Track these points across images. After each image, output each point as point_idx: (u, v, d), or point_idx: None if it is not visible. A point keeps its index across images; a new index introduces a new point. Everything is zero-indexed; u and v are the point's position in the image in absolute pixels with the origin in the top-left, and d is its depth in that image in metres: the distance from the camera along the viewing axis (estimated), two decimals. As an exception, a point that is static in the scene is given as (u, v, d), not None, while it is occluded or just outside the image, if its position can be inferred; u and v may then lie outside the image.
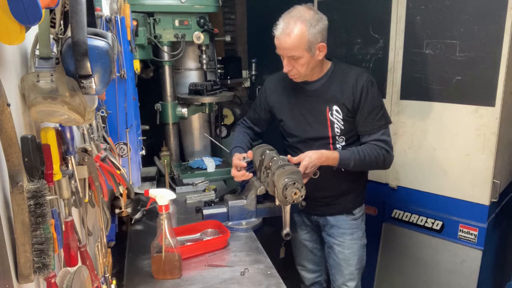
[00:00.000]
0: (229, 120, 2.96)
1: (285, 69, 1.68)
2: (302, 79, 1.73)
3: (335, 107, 1.72)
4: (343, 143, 1.76)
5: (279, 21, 1.63)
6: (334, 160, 1.65)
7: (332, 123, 1.74)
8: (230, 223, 1.82)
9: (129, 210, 1.94)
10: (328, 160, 1.64)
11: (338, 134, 1.74)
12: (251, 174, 1.75)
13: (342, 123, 1.73)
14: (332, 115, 1.73)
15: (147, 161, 2.38)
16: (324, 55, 1.68)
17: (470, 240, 2.10)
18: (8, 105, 0.58)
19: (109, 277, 1.28)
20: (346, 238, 1.89)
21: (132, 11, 1.83)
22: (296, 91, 1.81)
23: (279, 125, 1.92)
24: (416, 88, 2.14)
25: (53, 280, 0.69)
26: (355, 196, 1.89)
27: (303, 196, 1.54)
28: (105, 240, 1.30)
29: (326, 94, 1.74)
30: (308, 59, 1.63)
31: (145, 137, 1.85)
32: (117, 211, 1.86)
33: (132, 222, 1.90)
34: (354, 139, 1.78)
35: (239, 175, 1.73)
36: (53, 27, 0.72)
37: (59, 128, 0.82)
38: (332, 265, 1.96)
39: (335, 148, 1.76)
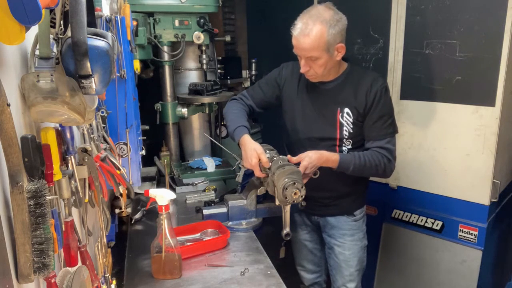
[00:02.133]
0: (229, 120, 2.96)
1: (302, 70, 1.64)
2: (318, 80, 1.70)
3: (346, 110, 1.70)
4: (350, 146, 1.74)
5: (297, 21, 1.58)
6: (334, 162, 1.64)
7: (342, 125, 1.71)
8: (230, 223, 1.82)
9: (129, 210, 1.94)
10: (328, 161, 1.63)
11: (346, 137, 1.72)
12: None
13: (352, 126, 1.71)
14: (342, 117, 1.71)
15: (147, 161, 2.38)
16: (342, 55, 1.65)
17: (470, 240, 2.10)
18: (8, 105, 0.58)
19: (109, 277, 1.28)
20: (347, 239, 1.88)
21: (132, 11, 1.83)
22: (309, 87, 1.78)
23: (282, 117, 1.88)
24: (416, 88, 2.14)
25: (53, 280, 0.69)
26: (356, 198, 1.88)
27: (303, 196, 1.54)
28: (105, 240, 1.30)
29: (339, 95, 1.71)
30: (327, 60, 1.60)
31: (145, 137, 1.85)
32: (117, 211, 1.86)
33: (132, 222, 1.91)
34: (361, 143, 1.76)
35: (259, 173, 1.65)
36: (53, 27, 0.72)
37: (59, 128, 0.82)
38: (333, 265, 1.96)
39: (341, 151, 1.74)
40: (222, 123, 2.87)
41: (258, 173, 1.64)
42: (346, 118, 1.71)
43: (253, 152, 1.62)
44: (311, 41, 1.54)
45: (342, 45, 1.62)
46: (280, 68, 1.89)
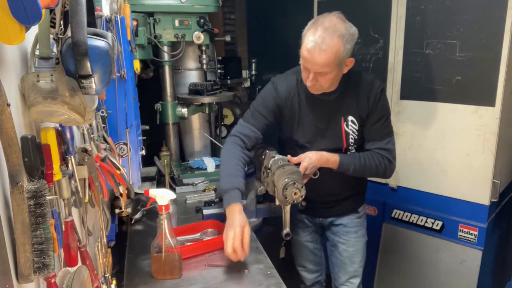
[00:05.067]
0: (229, 120, 2.96)
1: (309, 83, 1.55)
2: (321, 92, 1.64)
3: (350, 118, 1.67)
4: (353, 151, 1.75)
5: (309, 31, 1.48)
6: (334, 163, 1.64)
7: (347, 134, 1.69)
8: (230, 223, 1.82)
9: (129, 210, 1.94)
10: (328, 162, 1.63)
11: (352, 144, 1.72)
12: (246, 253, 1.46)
13: (357, 133, 1.70)
14: (347, 126, 1.69)
15: (147, 161, 2.38)
16: (349, 69, 1.59)
17: (470, 240, 2.10)
18: (8, 105, 0.58)
19: (109, 277, 1.28)
20: (351, 236, 1.89)
21: (132, 11, 1.83)
22: (311, 101, 1.70)
23: (283, 133, 1.80)
24: (416, 88, 2.14)
25: (53, 280, 0.69)
26: (358, 196, 1.90)
27: (303, 196, 1.54)
28: (105, 240, 1.30)
29: (341, 105, 1.67)
30: (335, 74, 1.55)
31: (145, 137, 1.85)
32: (117, 211, 1.86)
33: (132, 222, 1.90)
34: (363, 145, 1.76)
35: (239, 256, 1.43)
36: (53, 27, 0.72)
37: (59, 128, 0.82)
38: (335, 263, 1.96)
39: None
40: (222, 123, 2.87)
41: (235, 256, 1.42)
42: (351, 126, 1.69)
43: (238, 227, 1.43)
44: (327, 56, 1.45)
45: (352, 59, 1.57)
46: (274, 87, 1.73)
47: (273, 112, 1.73)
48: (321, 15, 1.54)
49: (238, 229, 1.43)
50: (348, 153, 1.74)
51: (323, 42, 1.44)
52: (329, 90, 1.66)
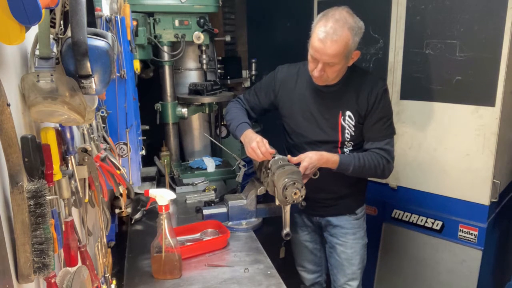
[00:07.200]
0: (229, 120, 2.96)
1: (316, 73, 1.59)
2: (326, 83, 1.68)
3: (348, 113, 1.69)
4: (351, 148, 1.75)
5: (320, 23, 1.53)
6: (334, 163, 1.65)
7: (343, 128, 1.71)
8: (230, 223, 1.82)
9: (129, 210, 1.94)
10: (328, 162, 1.64)
11: (348, 139, 1.73)
12: (271, 154, 1.66)
13: (353, 129, 1.71)
14: (344, 120, 1.70)
15: (147, 161, 2.38)
16: (354, 61, 1.64)
17: (470, 240, 2.10)
18: (8, 105, 0.58)
19: (109, 277, 1.28)
20: (349, 238, 1.89)
21: (132, 11, 1.83)
22: (310, 90, 1.75)
23: (282, 121, 1.87)
24: (416, 88, 2.14)
25: (53, 280, 0.69)
26: (356, 196, 1.89)
27: (303, 196, 1.54)
28: (105, 240, 1.30)
29: (341, 98, 1.70)
30: (342, 66, 1.59)
31: (145, 137, 1.85)
32: (117, 211, 1.86)
33: (132, 222, 1.91)
34: (362, 144, 1.76)
35: (267, 156, 1.64)
36: (53, 27, 0.72)
37: (59, 128, 0.82)
38: (334, 265, 1.96)
39: (342, 152, 1.75)
40: (222, 123, 2.87)
41: (260, 155, 1.62)
42: (348, 121, 1.70)
43: (259, 138, 1.66)
44: (338, 47, 1.50)
45: (358, 52, 1.61)
46: (275, 73, 1.86)
47: (267, 96, 1.87)
48: (330, 8, 1.58)
49: (258, 138, 1.66)
50: (345, 148, 1.75)
51: (334, 33, 1.49)
52: (333, 82, 1.69)
